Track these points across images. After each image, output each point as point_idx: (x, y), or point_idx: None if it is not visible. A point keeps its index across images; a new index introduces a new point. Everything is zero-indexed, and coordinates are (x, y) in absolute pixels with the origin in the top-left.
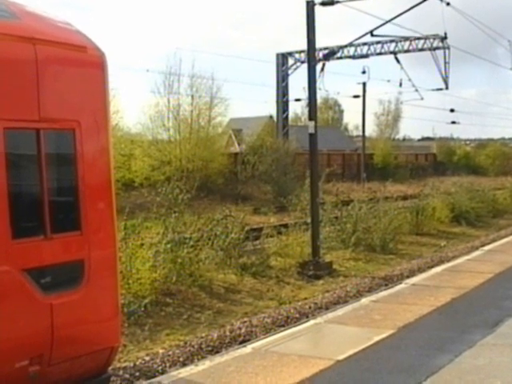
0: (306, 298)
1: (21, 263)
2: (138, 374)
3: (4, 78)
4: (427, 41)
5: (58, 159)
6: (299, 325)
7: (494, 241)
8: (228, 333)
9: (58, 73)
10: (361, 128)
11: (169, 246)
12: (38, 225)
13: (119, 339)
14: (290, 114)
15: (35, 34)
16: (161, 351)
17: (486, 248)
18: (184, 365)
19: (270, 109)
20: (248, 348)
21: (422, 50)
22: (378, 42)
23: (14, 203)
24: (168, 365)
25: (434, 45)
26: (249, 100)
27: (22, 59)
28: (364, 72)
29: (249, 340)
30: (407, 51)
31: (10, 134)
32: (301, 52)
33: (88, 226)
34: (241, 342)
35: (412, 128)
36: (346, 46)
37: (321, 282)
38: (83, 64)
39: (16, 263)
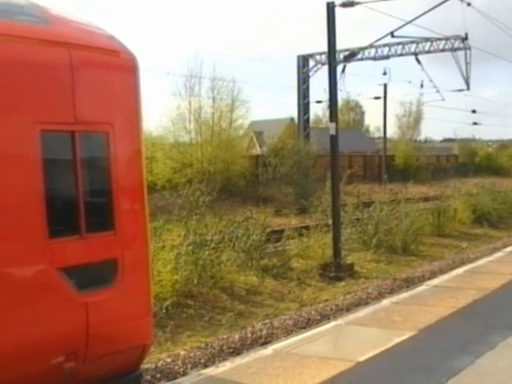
0: (327, 300)
1: (57, 262)
2: (159, 375)
3: (41, 82)
4: (448, 41)
5: (92, 161)
6: (320, 326)
7: None
8: (249, 334)
9: (92, 76)
10: (382, 129)
11: (190, 248)
12: (73, 225)
13: (151, 337)
14: (311, 116)
15: (70, 39)
16: (182, 353)
17: (508, 249)
18: (205, 366)
19: (291, 111)
20: (269, 349)
21: (443, 50)
22: (398, 43)
23: (51, 204)
24: (189, 366)
25: (455, 45)
26: (270, 102)
27: (58, 63)
28: (385, 73)
29: (270, 342)
30: (428, 52)
31: (47, 136)
32: (322, 54)
33: (121, 225)
34: (262, 344)
35: (433, 129)
36: (366, 48)
37: (342, 283)
38: (116, 68)
39: (52, 262)
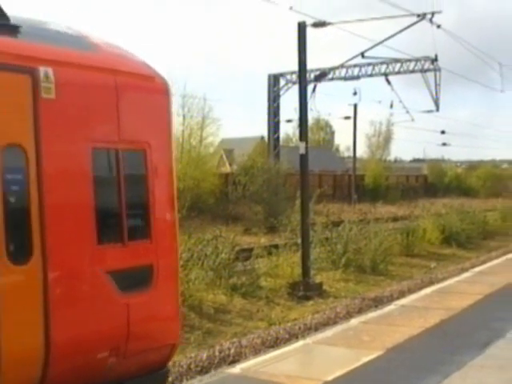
0: (295, 319)
1: (104, 266)
2: None
3: (92, 104)
4: (418, 63)
5: (132, 176)
6: (288, 345)
7: (484, 262)
8: (217, 353)
9: (132, 99)
10: (352, 149)
11: None
12: (117, 233)
13: (179, 337)
14: (282, 135)
15: (114, 66)
16: None
17: (476, 269)
18: None
19: (262, 129)
20: (237, 368)
21: (412, 71)
22: (369, 64)
23: (99, 213)
24: None
25: (425, 67)
26: (241, 120)
27: (106, 87)
28: (355, 93)
29: (238, 360)
30: (398, 73)
31: (97, 153)
32: (292, 73)
33: (156, 235)
34: (230, 363)
35: (403, 149)
36: (337, 68)
37: (311, 302)
38: (152, 92)
39: (100, 265)
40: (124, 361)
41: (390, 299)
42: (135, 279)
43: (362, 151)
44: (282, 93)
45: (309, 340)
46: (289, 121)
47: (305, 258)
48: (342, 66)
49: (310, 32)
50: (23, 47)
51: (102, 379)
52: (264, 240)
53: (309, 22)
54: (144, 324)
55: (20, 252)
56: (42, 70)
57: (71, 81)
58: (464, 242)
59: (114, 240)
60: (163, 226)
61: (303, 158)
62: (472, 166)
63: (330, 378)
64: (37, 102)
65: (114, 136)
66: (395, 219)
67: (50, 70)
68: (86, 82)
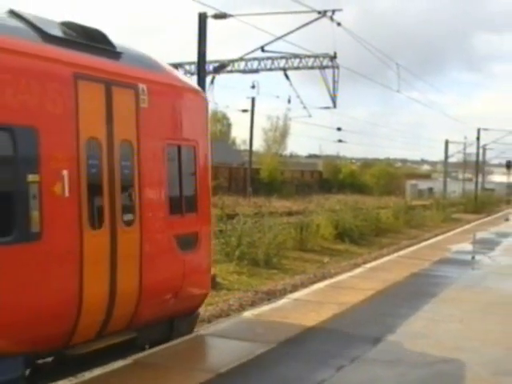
0: None
1: (172, 231)
2: None
3: (166, 111)
4: (317, 59)
5: (187, 166)
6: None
7: (376, 259)
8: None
9: (188, 108)
10: (248, 142)
11: None
12: (178, 206)
13: (209, 288)
14: None
15: (177, 83)
16: None
17: (368, 266)
18: (64, 377)
19: None
20: (129, 360)
21: (311, 68)
22: (268, 58)
23: (169, 191)
24: None
25: (324, 63)
26: None
27: (173, 99)
28: (253, 87)
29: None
30: (297, 68)
31: (168, 148)
32: (191, 63)
33: (200, 209)
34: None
35: (299, 145)
36: (236, 60)
37: None
38: (198, 102)
39: (170, 231)
40: (178, 303)
41: (283, 293)
42: (188, 242)
43: (258, 145)
44: None
45: (202, 332)
46: None
47: None
48: (241, 58)
49: (211, 23)
50: (128, 69)
51: (164, 316)
52: None
53: (210, 12)
54: (192, 276)
55: (128, 218)
56: (140, 86)
57: (155, 94)
58: (357, 238)
59: (176, 212)
60: (204, 204)
61: None
62: (367, 163)
63: (223, 370)
64: (138, 109)
65: (178, 135)
66: (290, 214)
67: (144, 86)
68: (163, 95)
